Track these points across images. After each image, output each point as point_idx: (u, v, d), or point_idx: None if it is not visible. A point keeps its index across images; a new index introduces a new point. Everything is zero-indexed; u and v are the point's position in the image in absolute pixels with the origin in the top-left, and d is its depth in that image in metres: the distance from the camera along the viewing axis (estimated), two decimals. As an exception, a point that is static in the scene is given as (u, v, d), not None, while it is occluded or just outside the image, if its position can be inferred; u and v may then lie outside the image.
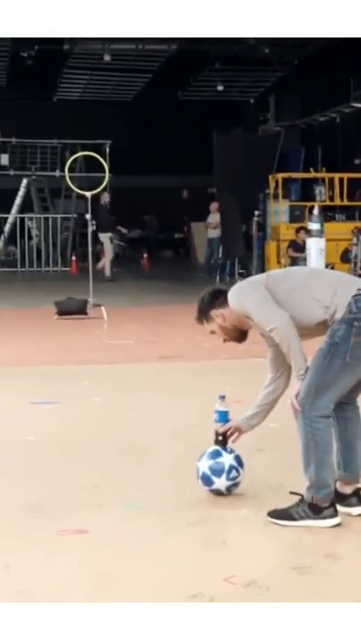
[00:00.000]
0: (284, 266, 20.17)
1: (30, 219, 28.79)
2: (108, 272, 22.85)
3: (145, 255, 28.43)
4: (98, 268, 22.21)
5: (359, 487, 5.10)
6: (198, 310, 5.25)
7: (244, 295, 5.03)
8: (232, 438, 5.45)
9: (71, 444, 6.73)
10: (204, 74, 30.16)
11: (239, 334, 5.21)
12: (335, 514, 4.88)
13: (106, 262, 23.08)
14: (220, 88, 30.73)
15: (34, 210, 29.66)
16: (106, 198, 23.12)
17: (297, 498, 4.92)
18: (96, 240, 22.48)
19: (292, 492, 4.99)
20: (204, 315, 5.22)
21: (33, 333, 13.22)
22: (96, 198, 17.28)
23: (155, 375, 9.79)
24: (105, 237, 23.13)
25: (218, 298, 5.18)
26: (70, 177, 17.75)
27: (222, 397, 5.51)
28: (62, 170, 21.50)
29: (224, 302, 5.12)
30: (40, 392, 8.69)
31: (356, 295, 4.83)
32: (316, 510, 4.84)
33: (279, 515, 4.91)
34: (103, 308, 14.73)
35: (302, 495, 4.89)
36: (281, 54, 27.88)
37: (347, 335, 4.77)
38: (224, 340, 5.30)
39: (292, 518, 4.87)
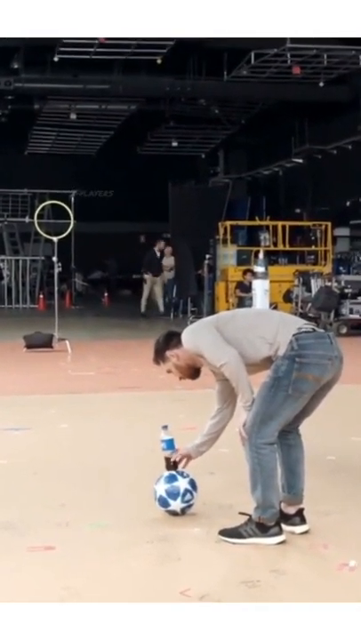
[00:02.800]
0: (233, 304, 20.26)
1: (2, 260, 28.68)
2: (161, 308, 23.04)
3: (105, 294, 28.40)
4: (143, 311, 22.58)
5: (302, 507, 5.11)
6: (155, 352, 5.21)
7: (196, 336, 5.03)
8: (182, 464, 5.45)
9: (40, 467, 6.69)
10: (161, 131, 30.31)
11: (193, 371, 5.19)
12: (280, 532, 4.87)
13: (158, 301, 23.12)
14: (174, 144, 30.92)
15: (5, 252, 29.58)
16: (161, 246, 23.13)
17: (245, 517, 4.91)
18: (62, 279, 22.40)
19: (240, 513, 4.99)
20: (160, 356, 5.19)
21: (4, 365, 13.12)
22: (64, 242, 17.19)
23: (115, 404, 9.76)
24: (152, 279, 23.12)
25: (172, 339, 5.16)
26: (39, 223, 17.76)
27: (165, 427, 5.49)
28: (32, 216, 21.46)
29: (178, 343, 5.11)
30: (11, 419, 8.64)
31: (296, 334, 4.86)
32: (262, 529, 4.83)
33: (229, 533, 4.90)
34: (67, 342, 14.65)
35: (250, 515, 4.88)
36: (229, 114, 28.10)
37: (289, 370, 4.79)
38: (180, 378, 5.27)
39: (240, 536, 4.86)
